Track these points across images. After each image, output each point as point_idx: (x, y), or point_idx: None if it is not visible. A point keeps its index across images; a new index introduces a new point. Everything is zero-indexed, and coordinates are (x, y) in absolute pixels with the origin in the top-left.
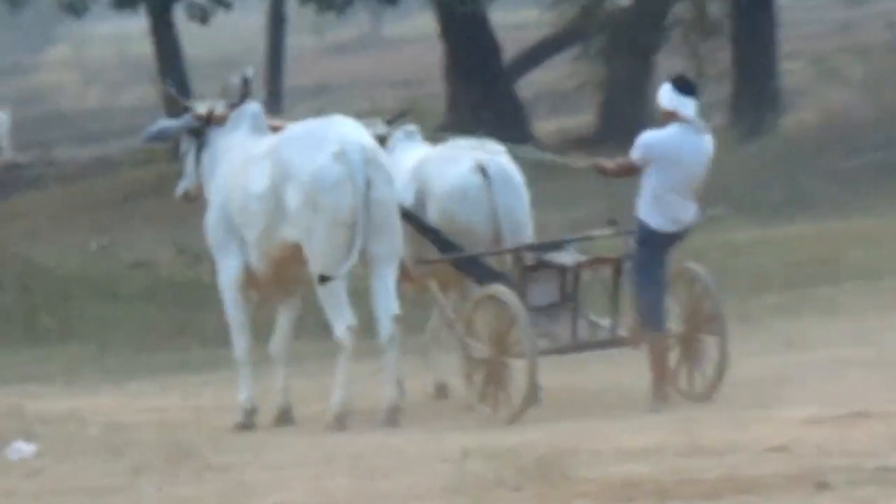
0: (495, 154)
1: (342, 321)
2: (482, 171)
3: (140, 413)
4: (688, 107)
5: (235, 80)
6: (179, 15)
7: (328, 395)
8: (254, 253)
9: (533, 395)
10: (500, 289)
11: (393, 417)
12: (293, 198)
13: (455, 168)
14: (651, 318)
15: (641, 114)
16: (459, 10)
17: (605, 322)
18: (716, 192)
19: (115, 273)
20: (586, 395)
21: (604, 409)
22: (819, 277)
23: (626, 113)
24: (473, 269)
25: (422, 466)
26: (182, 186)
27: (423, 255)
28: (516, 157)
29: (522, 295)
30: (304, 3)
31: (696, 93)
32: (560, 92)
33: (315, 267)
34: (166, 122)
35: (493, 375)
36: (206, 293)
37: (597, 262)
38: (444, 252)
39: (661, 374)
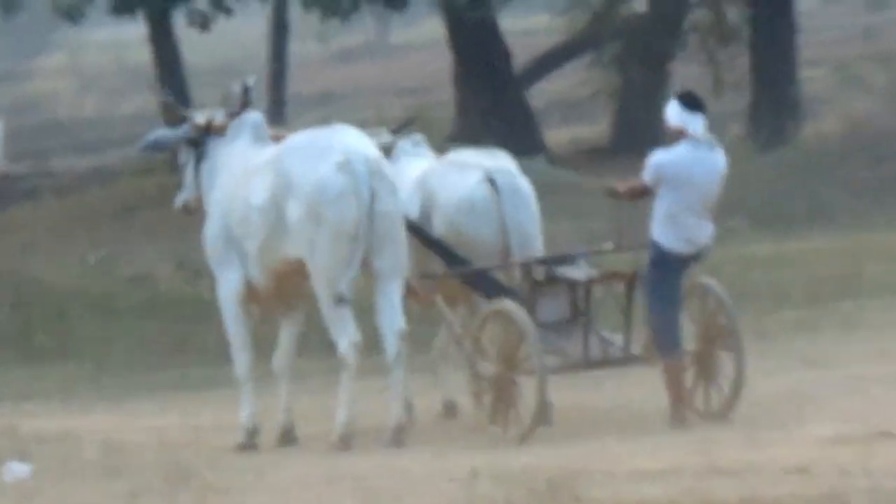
0: (504, 165)
1: (346, 337)
2: (491, 182)
3: (138, 432)
4: (696, 123)
5: (236, 89)
6: (179, 21)
7: (332, 414)
8: (254, 266)
9: (543, 413)
10: (508, 304)
11: (399, 437)
12: (295, 210)
13: (463, 179)
14: (665, 341)
15: (656, 123)
16: (468, 15)
17: (618, 339)
18: (733, 203)
19: (112, 288)
20: (599, 413)
21: (617, 428)
22: (839, 292)
23: (640, 122)
24: (481, 283)
25: (428, 487)
26: (181, 198)
27: (429, 269)
28: (528, 172)
29: (532, 310)
30: (308, 9)
31: (704, 108)
32: (572, 100)
33: (318, 281)
34: (164, 132)
35: (502, 393)
36: (206, 309)
37: (610, 277)
38: (451, 266)
39: (679, 397)
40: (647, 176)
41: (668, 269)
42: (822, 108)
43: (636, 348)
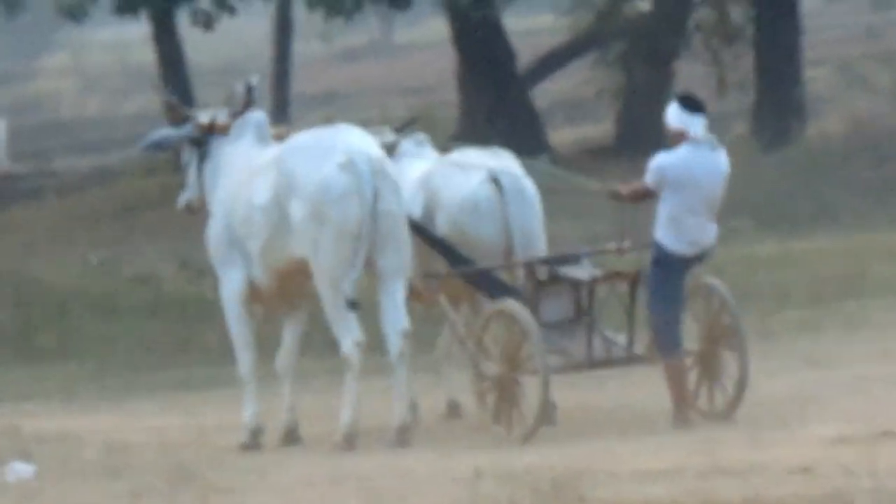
0: (508, 165)
1: (349, 337)
2: (494, 181)
3: (140, 433)
4: (697, 125)
5: (240, 88)
6: (182, 21)
7: (336, 414)
8: (257, 266)
9: (546, 413)
10: (511, 304)
11: (403, 437)
12: (298, 210)
13: (466, 179)
14: (666, 341)
15: (660, 122)
16: (472, 15)
17: (622, 339)
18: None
19: (115, 288)
20: (602, 413)
21: (620, 428)
22: (843, 293)
23: (645, 121)
24: (484, 283)
25: (432, 487)
26: (184, 198)
27: (432, 268)
28: (531, 172)
29: (535, 310)
30: (312, 8)
31: (704, 109)
32: (577, 100)
33: (321, 281)
34: (166, 131)
35: (505, 393)
36: (209, 308)
37: (613, 276)
38: (454, 265)
39: (682, 398)
40: (648, 179)
41: (670, 269)
42: (825, 107)
43: (639, 348)
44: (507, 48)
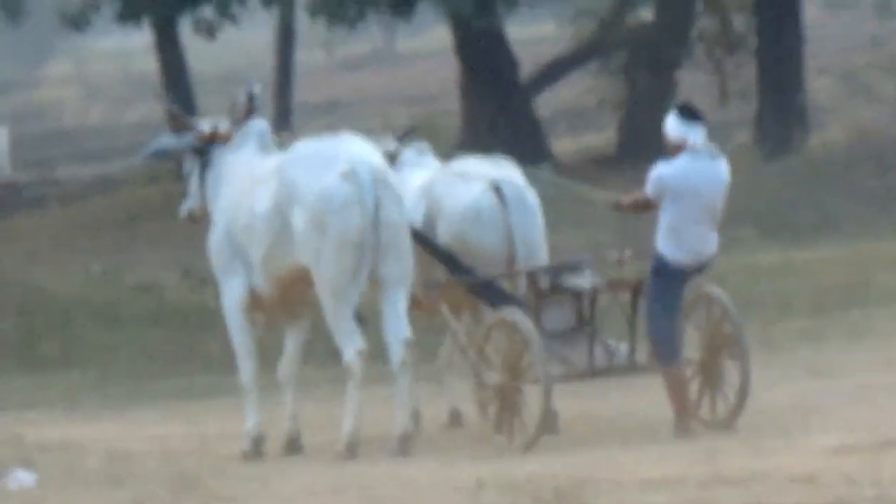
0: (509, 174)
1: (351, 346)
2: (496, 191)
3: (142, 441)
4: (696, 134)
5: (242, 97)
6: (185, 29)
7: (338, 423)
8: (259, 275)
9: (548, 422)
10: (513, 312)
11: (405, 446)
12: (300, 218)
13: (468, 187)
14: (665, 351)
15: (663, 132)
16: (475, 24)
17: (623, 347)
18: (739, 212)
19: (117, 297)
20: (604, 422)
21: (623, 437)
22: (846, 301)
23: (647, 130)
24: (486, 292)
25: (434, 497)
26: (186, 207)
27: (433, 277)
28: (533, 181)
29: (537, 319)
30: (315, 17)
31: (703, 119)
32: (579, 109)
33: (322, 289)
34: (168, 140)
35: (507, 402)
36: (211, 317)
37: (615, 285)
38: (456, 274)
39: (683, 407)
40: (648, 189)
41: (670, 280)
42: (828, 116)
43: (641, 357)
44: (509, 57)
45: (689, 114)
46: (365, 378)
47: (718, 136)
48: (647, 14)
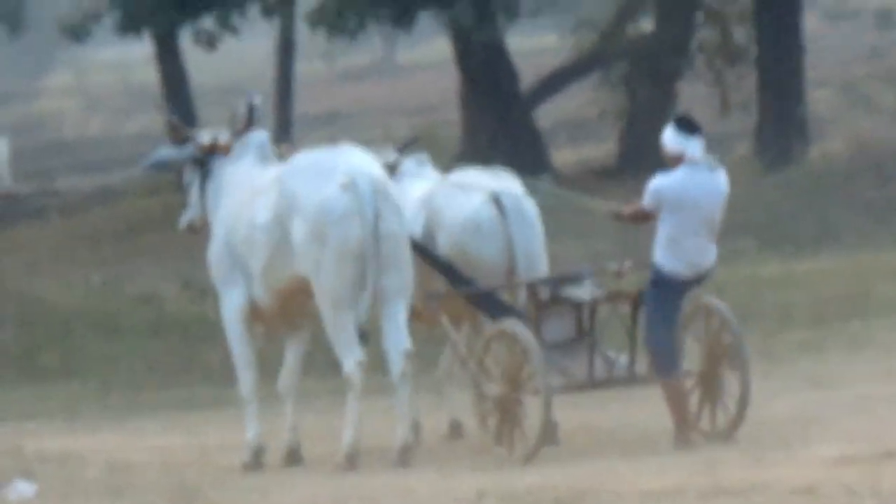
0: (509, 185)
1: (351, 356)
2: (496, 202)
3: (143, 452)
4: (694, 147)
5: (242, 108)
6: (185, 41)
7: (338, 434)
8: (259, 286)
9: (548, 433)
10: (513, 324)
11: (405, 457)
12: (299, 230)
13: (468, 199)
14: (664, 362)
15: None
16: (475, 35)
17: (623, 359)
18: (739, 224)
19: (117, 308)
20: (604, 433)
21: (623, 448)
22: (847, 313)
23: (647, 142)
24: (486, 303)
25: None
26: (186, 218)
27: (432, 288)
28: (534, 192)
29: (537, 330)
30: (315, 28)
31: (701, 131)
32: (579, 120)
33: (322, 301)
34: (168, 151)
35: (507, 413)
36: (211, 328)
37: (614, 296)
38: (456, 286)
39: (682, 419)
40: (646, 201)
41: (668, 291)
42: (828, 128)
43: (641, 368)
44: (509, 68)
45: (687, 126)
46: (365, 389)
47: (719, 147)
48: (647, 25)
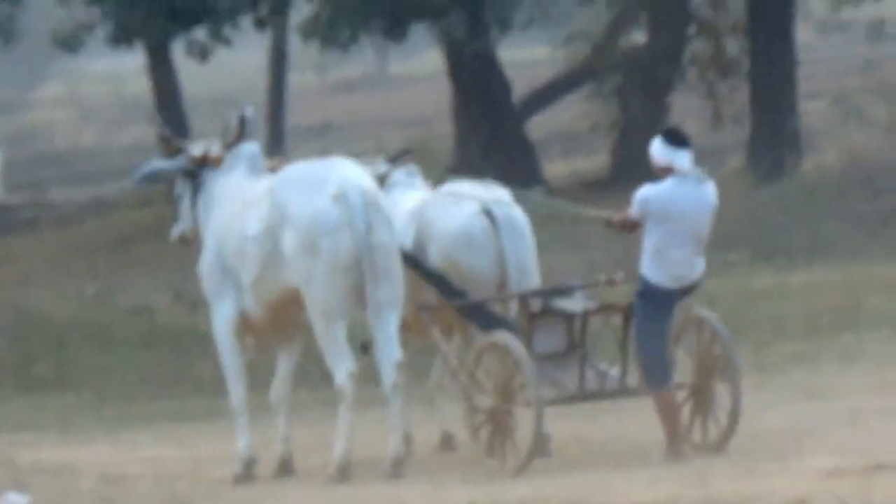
0: (500, 197)
1: (342, 367)
2: (488, 213)
3: (136, 464)
4: (683, 159)
5: (234, 120)
6: (178, 52)
7: (330, 445)
8: (250, 297)
9: (540, 445)
10: (504, 336)
11: (396, 469)
12: (291, 241)
13: (459, 211)
14: (654, 374)
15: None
16: (468, 47)
17: (615, 370)
18: (732, 236)
19: (110, 319)
20: (596, 445)
21: (615, 460)
22: (839, 325)
23: (640, 154)
24: (477, 315)
25: None
26: (178, 230)
27: (423, 300)
28: (526, 205)
29: (528, 342)
30: (307, 40)
31: (689, 143)
32: (572, 132)
33: (313, 312)
34: (159, 163)
35: (498, 425)
36: (203, 340)
37: (606, 309)
38: (447, 297)
39: (674, 431)
40: (633, 210)
41: (655, 303)
42: (821, 140)
43: (632, 380)
44: (502, 80)
45: (675, 139)
46: (357, 400)
47: (711, 159)
48: (639, 37)
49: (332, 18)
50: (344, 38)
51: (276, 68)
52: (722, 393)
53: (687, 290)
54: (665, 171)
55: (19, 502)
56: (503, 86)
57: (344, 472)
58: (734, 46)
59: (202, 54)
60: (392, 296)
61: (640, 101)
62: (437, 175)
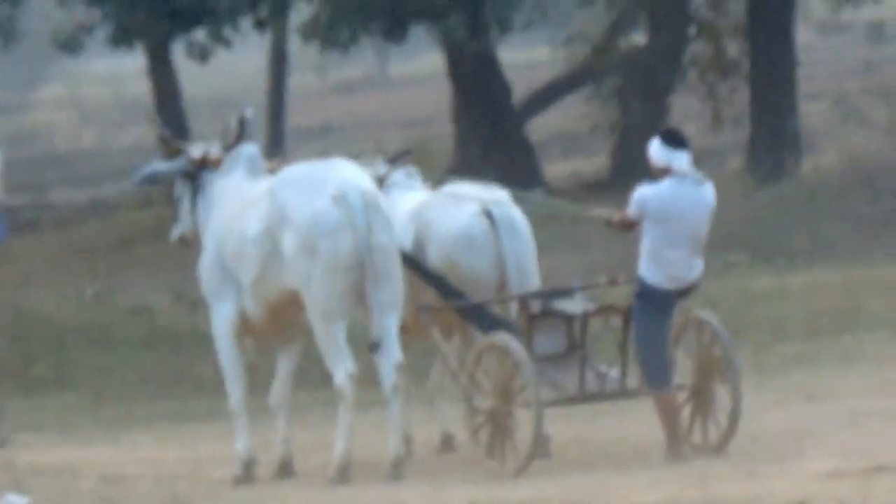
0: (500, 198)
1: (342, 368)
2: (488, 215)
3: (136, 465)
4: (681, 160)
5: (233, 121)
6: (178, 53)
7: (330, 447)
8: (249, 298)
9: (539, 446)
10: (504, 337)
11: (397, 470)
12: (290, 242)
13: (459, 212)
14: (654, 375)
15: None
16: (468, 48)
17: (615, 372)
18: (732, 237)
19: (111, 320)
20: (596, 446)
21: (615, 461)
22: (839, 326)
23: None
24: (477, 316)
25: None
26: (177, 231)
27: (422, 301)
28: (526, 205)
29: (528, 343)
30: (307, 41)
31: (688, 144)
32: (572, 133)
33: (313, 313)
34: (159, 165)
35: (498, 426)
36: (203, 340)
37: (606, 310)
38: (447, 299)
39: (674, 432)
40: (631, 210)
41: (654, 304)
42: (821, 141)
43: (632, 381)
44: (502, 82)
45: (674, 139)
46: (357, 402)
47: (711, 161)
48: (639, 39)
49: (331, 19)
50: (344, 40)
51: (276, 69)
52: (722, 394)
53: (685, 291)
54: (663, 172)
55: (19, 503)
56: (503, 87)
57: (344, 474)
58: (734, 48)
59: (202, 56)
60: (392, 297)
61: (639, 103)
62: (436, 176)
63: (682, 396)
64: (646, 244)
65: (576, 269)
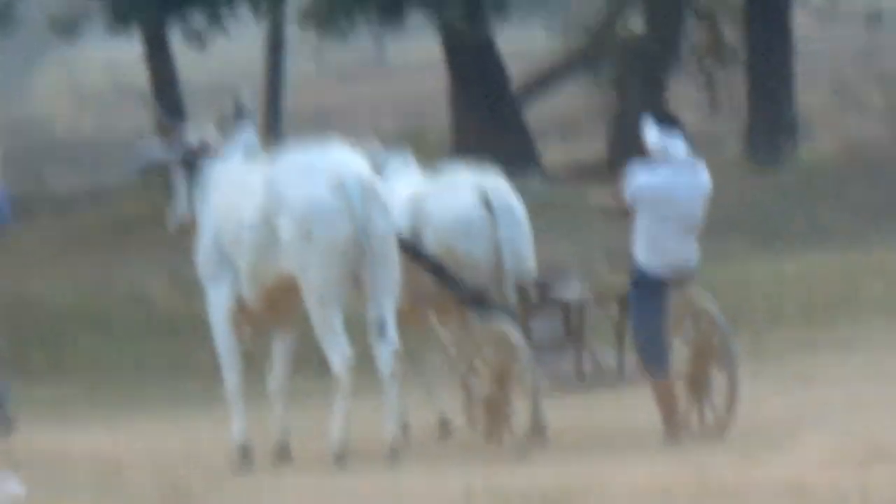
0: (498, 184)
1: (339, 354)
2: (485, 200)
3: (134, 452)
4: (676, 144)
5: (230, 107)
6: (175, 40)
7: (327, 433)
8: (246, 284)
9: (538, 432)
10: (501, 324)
11: (394, 456)
12: (287, 228)
13: (456, 198)
14: (651, 361)
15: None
16: (465, 34)
17: (612, 359)
18: (730, 223)
19: (108, 307)
20: (594, 433)
21: (612, 447)
22: (837, 312)
23: (637, 141)
24: (474, 302)
25: None
26: (176, 219)
27: (419, 287)
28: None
29: (525, 330)
30: (305, 27)
31: (682, 127)
32: (569, 119)
33: (310, 299)
34: (156, 152)
35: (495, 412)
36: (202, 327)
37: (603, 297)
38: (444, 284)
39: (672, 419)
40: (626, 194)
41: (649, 290)
42: (819, 128)
43: (630, 368)
44: (499, 67)
45: (668, 122)
46: (354, 388)
47: (709, 147)
48: (637, 25)
49: (329, 6)
50: (342, 26)
51: (274, 55)
52: (719, 380)
53: (681, 277)
54: (658, 156)
55: (15, 492)
56: (501, 73)
57: (341, 460)
58: (732, 35)
59: (200, 42)
60: (389, 283)
61: (637, 89)
62: (434, 162)
63: (679, 383)
64: (640, 231)
65: (572, 257)
